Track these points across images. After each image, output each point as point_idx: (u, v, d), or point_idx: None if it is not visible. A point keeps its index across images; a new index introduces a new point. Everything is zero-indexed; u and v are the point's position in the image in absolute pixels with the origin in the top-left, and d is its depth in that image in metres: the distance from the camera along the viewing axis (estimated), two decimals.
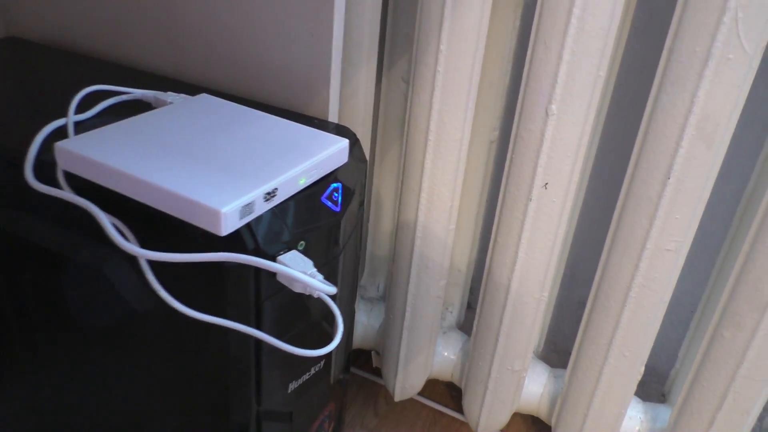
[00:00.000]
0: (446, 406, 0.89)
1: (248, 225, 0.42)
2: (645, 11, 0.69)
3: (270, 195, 0.43)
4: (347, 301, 0.60)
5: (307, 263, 0.44)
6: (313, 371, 0.54)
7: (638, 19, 0.69)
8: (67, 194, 0.44)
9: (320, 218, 0.48)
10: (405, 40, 0.70)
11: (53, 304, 0.53)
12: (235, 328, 0.44)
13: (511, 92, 0.73)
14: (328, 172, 0.49)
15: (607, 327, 0.67)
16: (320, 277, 0.43)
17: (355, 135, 0.55)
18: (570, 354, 0.74)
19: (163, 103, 0.55)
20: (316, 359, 0.54)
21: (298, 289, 0.43)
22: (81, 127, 0.51)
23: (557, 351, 0.90)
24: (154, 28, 0.64)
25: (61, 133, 0.49)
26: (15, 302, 0.55)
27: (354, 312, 0.77)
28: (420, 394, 0.90)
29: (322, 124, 0.56)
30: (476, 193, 0.75)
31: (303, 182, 0.46)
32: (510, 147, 0.64)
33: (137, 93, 0.56)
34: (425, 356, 0.80)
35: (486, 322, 0.73)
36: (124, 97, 0.56)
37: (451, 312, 0.84)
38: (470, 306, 0.88)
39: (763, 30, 0.51)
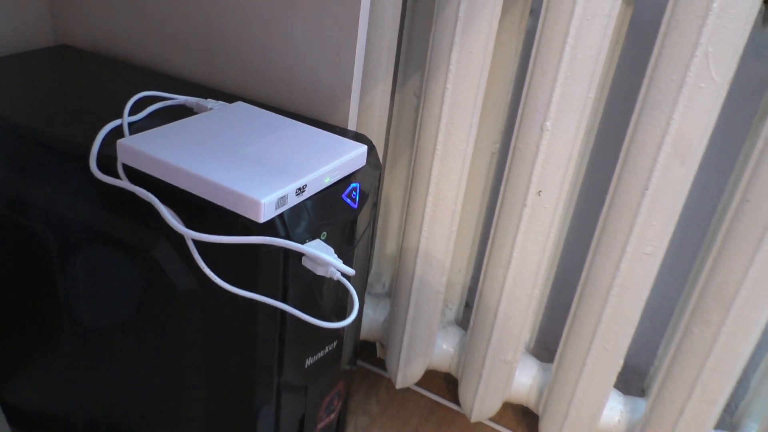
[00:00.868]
0: (443, 397, 0.90)
1: (281, 215, 0.45)
2: (631, 43, 0.71)
3: (301, 190, 0.46)
4: (358, 292, 0.61)
5: (329, 250, 0.47)
6: (327, 349, 0.56)
7: (625, 49, 0.72)
8: (126, 184, 0.47)
9: (340, 213, 0.50)
10: (417, 60, 0.72)
11: (104, 284, 0.54)
12: (268, 303, 0.46)
13: (511, 109, 0.74)
14: (349, 173, 0.51)
15: (591, 322, 0.68)
16: (341, 261, 0.46)
17: (371, 142, 0.56)
18: None
19: (203, 109, 0.57)
20: (331, 337, 0.56)
21: (320, 272, 0.46)
22: (133, 128, 0.53)
23: (548, 349, 0.91)
24: (195, 42, 0.65)
25: (116, 132, 0.52)
26: (66, 281, 0.56)
27: (363, 304, 0.77)
28: (418, 385, 0.91)
29: (342, 132, 0.57)
30: (477, 198, 0.77)
31: (328, 180, 0.48)
32: (508, 158, 0.66)
33: (181, 99, 0.58)
34: (425, 348, 0.81)
35: (482, 314, 0.74)
36: (169, 102, 0.58)
37: (451, 309, 0.85)
38: (468, 305, 0.89)
39: (729, 63, 0.54)
